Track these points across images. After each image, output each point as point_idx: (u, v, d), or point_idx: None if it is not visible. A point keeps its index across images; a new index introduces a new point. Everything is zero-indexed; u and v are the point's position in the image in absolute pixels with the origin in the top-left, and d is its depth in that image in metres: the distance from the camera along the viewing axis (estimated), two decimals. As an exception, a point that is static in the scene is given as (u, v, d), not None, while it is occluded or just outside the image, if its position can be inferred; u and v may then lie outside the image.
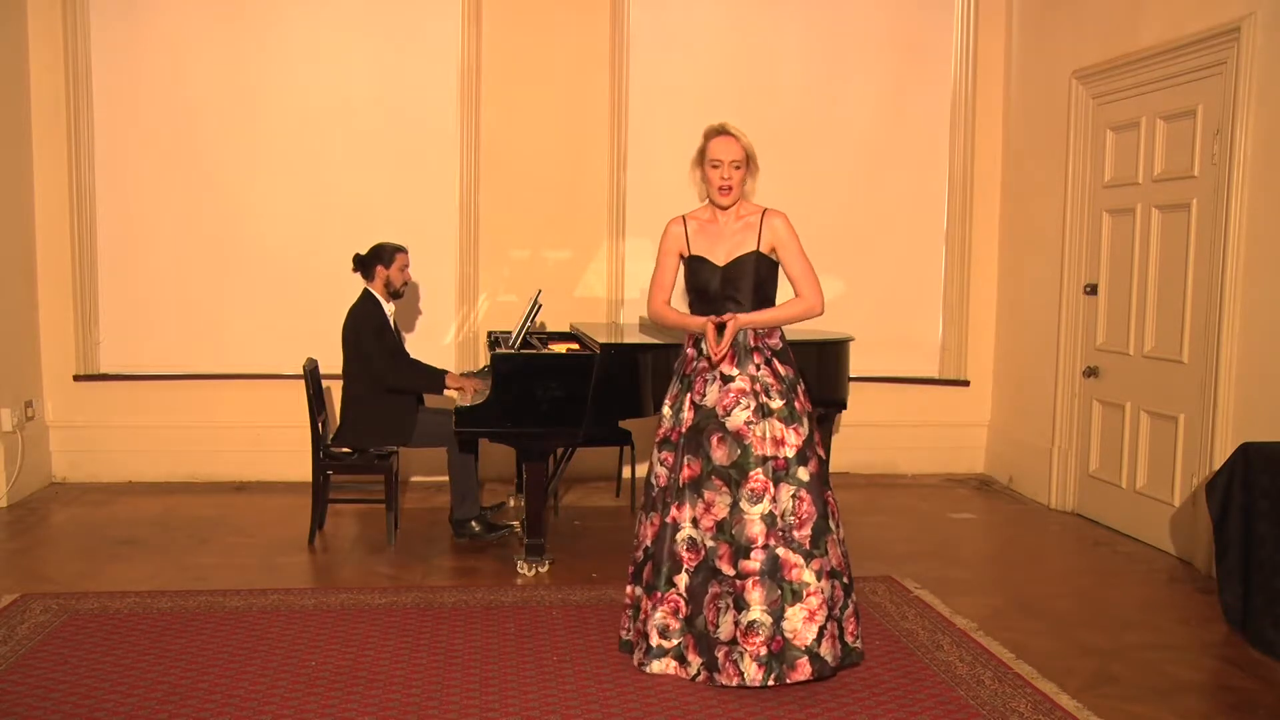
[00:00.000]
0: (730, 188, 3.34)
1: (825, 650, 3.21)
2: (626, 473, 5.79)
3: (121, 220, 5.87)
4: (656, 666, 3.30)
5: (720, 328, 3.28)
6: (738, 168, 3.33)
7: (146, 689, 3.16)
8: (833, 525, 3.32)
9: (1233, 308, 4.38)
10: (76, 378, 5.88)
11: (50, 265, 5.80)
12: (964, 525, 5.40)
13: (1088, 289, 5.44)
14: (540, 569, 4.36)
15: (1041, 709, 3.11)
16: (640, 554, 3.42)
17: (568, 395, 4.19)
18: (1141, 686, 3.34)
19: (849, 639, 3.32)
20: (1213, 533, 3.90)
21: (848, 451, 6.21)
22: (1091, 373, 5.41)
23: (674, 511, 3.31)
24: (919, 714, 3.09)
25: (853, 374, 5.06)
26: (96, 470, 5.92)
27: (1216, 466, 4.15)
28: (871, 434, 6.12)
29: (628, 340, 4.56)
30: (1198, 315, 4.62)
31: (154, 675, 3.26)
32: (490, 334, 5.43)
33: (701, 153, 3.38)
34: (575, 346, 4.75)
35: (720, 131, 3.35)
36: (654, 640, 3.30)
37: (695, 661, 3.27)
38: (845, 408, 4.94)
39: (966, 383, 6.45)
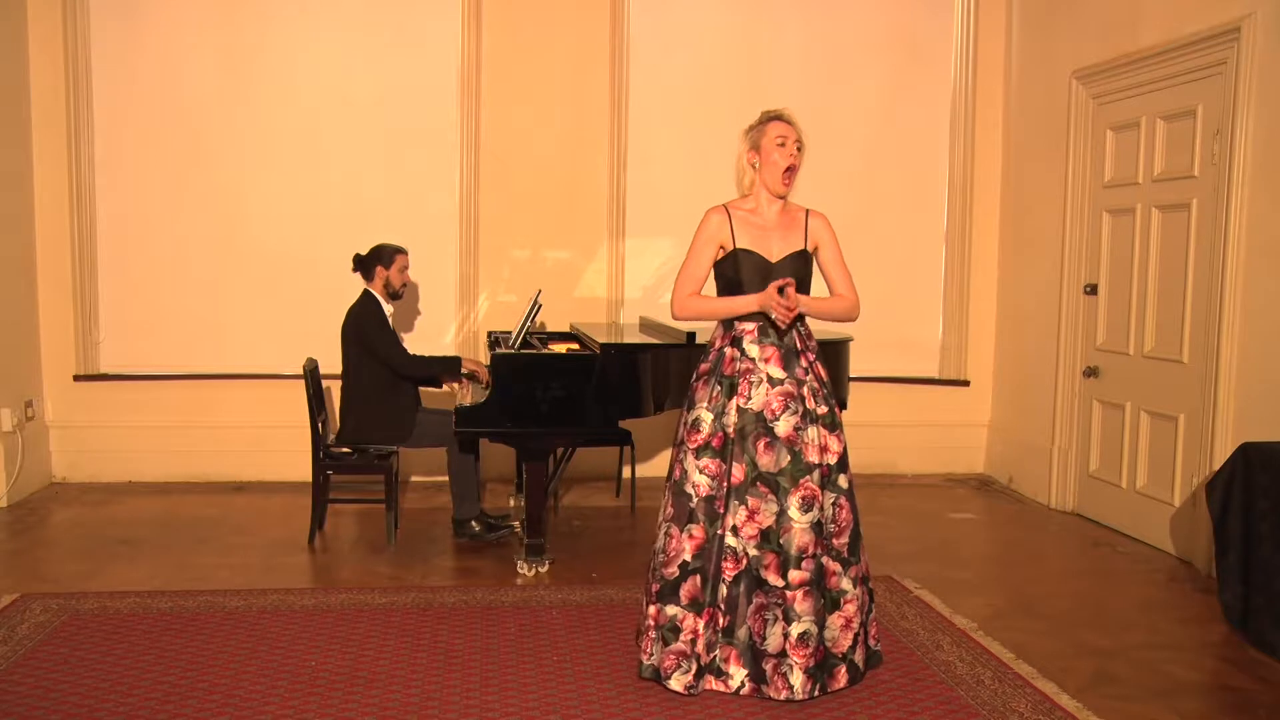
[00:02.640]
0: (795, 168, 3.22)
1: (859, 656, 3.20)
2: (626, 473, 5.79)
3: (121, 220, 5.87)
4: (700, 685, 3.16)
5: (782, 291, 3.13)
6: (800, 150, 3.24)
7: (146, 689, 3.16)
8: (862, 530, 3.30)
9: (1233, 308, 4.38)
10: (76, 378, 5.88)
11: (50, 265, 5.80)
12: (964, 525, 5.40)
13: (1088, 289, 5.44)
14: (540, 569, 4.36)
15: (1041, 709, 3.11)
16: (674, 570, 3.17)
17: (568, 395, 4.18)
18: (1141, 686, 3.34)
19: (871, 642, 3.32)
20: (1213, 533, 3.90)
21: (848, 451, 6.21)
22: (1091, 373, 5.41)
23: (725, 520, 3.16)
24: (919, 714, 3.09)
25: (853, 374, 5.07)
26: (96, 470, 5.92)
27: (1216, 466, 4.15)
28: (871, 434, 6.11)
29: (628, 340, 4.56)
30: (1198, 315, 4.62)
31: (154, 675, 3.26)
32: (490, 334, 5.43)
33: (760, 135, 3.24)
34: (575, 346, 4.76)
35: (779, 115, 3.25)
36: (704, 659, 3.16)
37: (738, 674, 3.15)
38: (845, 408, 4.93)
39: (966, 383, 6.45)
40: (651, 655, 3.23)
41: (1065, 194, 5.55)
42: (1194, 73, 4.65)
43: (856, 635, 3.19)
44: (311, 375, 4.72)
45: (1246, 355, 4.35)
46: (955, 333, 6.42)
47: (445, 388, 4.87)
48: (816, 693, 3.10)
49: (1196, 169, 4.66)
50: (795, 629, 3.09)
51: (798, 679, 3.08)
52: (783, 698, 3.09)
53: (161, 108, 5.84)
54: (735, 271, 3.26)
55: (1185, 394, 4.71)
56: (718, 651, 3.18)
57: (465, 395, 4.58)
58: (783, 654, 3.10)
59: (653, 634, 3.23)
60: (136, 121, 5.83)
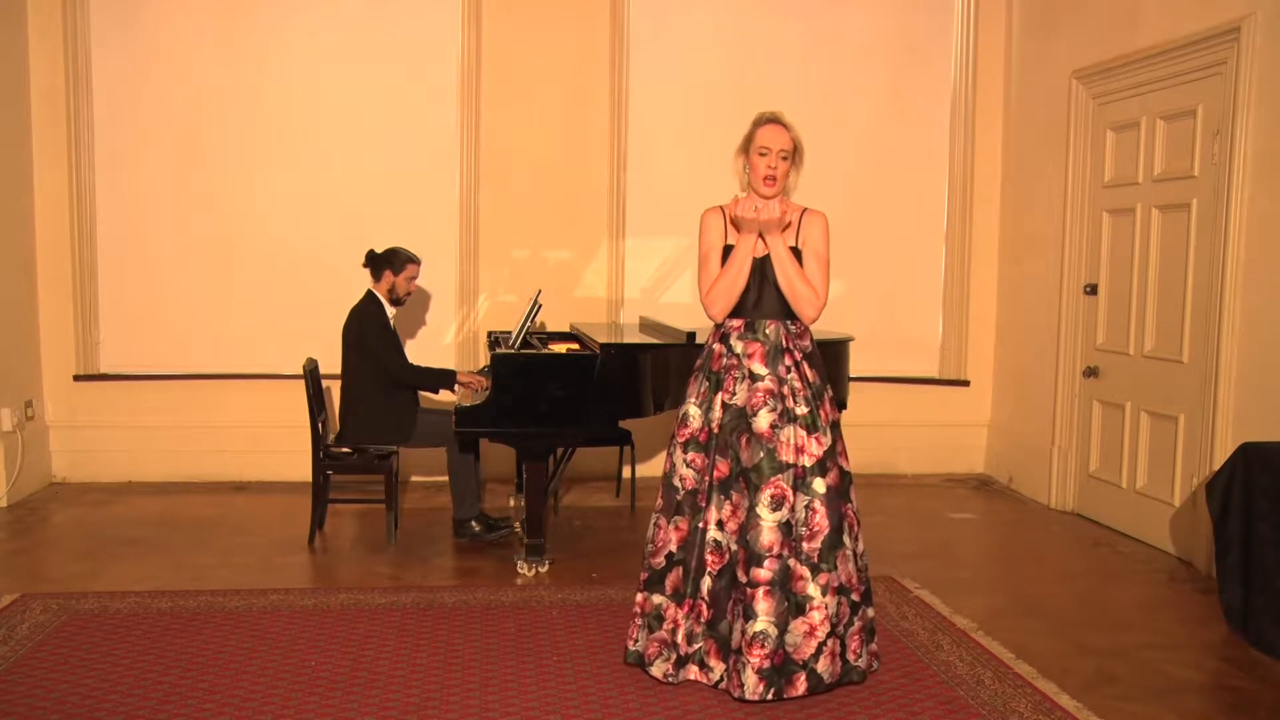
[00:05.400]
0: (775, 178, 3.23)
1: (823, 666, 3.14)
2: (626, 473, 5.79)
3: (121, 220, 5.87)
4: (682, 674, 3.22)
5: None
6: (785, 158, 3.23)
7: (146, 689, 3.16)
8: (847, 540, 3.21)
9: (1233, 308, 4.38)
10: (76, 378, 5.88)
11: (50, 265, 5.80)
12: (964, 525, 5.40)
13: (1088, 289, 5.44)
14: (540, 569, 4.36)
15: (1041, 709, 3.11)
16: (661, 560, 3.26)
17: (568, 395, 4.19)
18: (1141, 686, 3.34)
19: (850, 656, 3.23)
20: (1213, 533, 3.90)
21: (848, 451, 6.21)
22: (1091, 373, 5.42)
23: (706, 514, 3.21)
24: (919, 714, 3.09)
25: (853, 374, 5.06)
26: (96, 470, 5.92)
27: (1216, 466, 4.15)
28: (871, 434, 6.11)
29: (628, 340, 4.56)
30: (1198, 315, 4.62)
31: (154, 675, 3.26)
32: (490, 334, 5.43)
33: (749, 139, 3.27)
34: (575, 346, 4.75)
35: (771, 120, 3.25)
36: (684, 649, 3.21)
37: (719, 667, 3.19)
38: (845, 408, 4.93)
39: (966, 383, 6.45)
40: (637, 641, 3.31)
41: (1065, 194, 5.55)
42: (1194, 73, 4.65)
43: (822, 645, 3.12)
44: (311, 375, 4.72)
45: (1246, 355, 4.35)
46: (955, 333, 6.42)
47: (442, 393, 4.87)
48: (770, 696, 3.08)
49: (1196, 169, 4.66)
50: (751, 628, 3.09)
51: (749, 679, 3.07)
52: (736, 695, 3.11)
53: (162, 107, 5.83)
54: None
55: (1185, 394, 4.71)
56: (701, 644, 3.21)
57: (466, 395, 4.58)
58: (739, 651, 3.12)
59: (639, 621, 3.31)
60: (137, 121, 5.83)
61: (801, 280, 3.22)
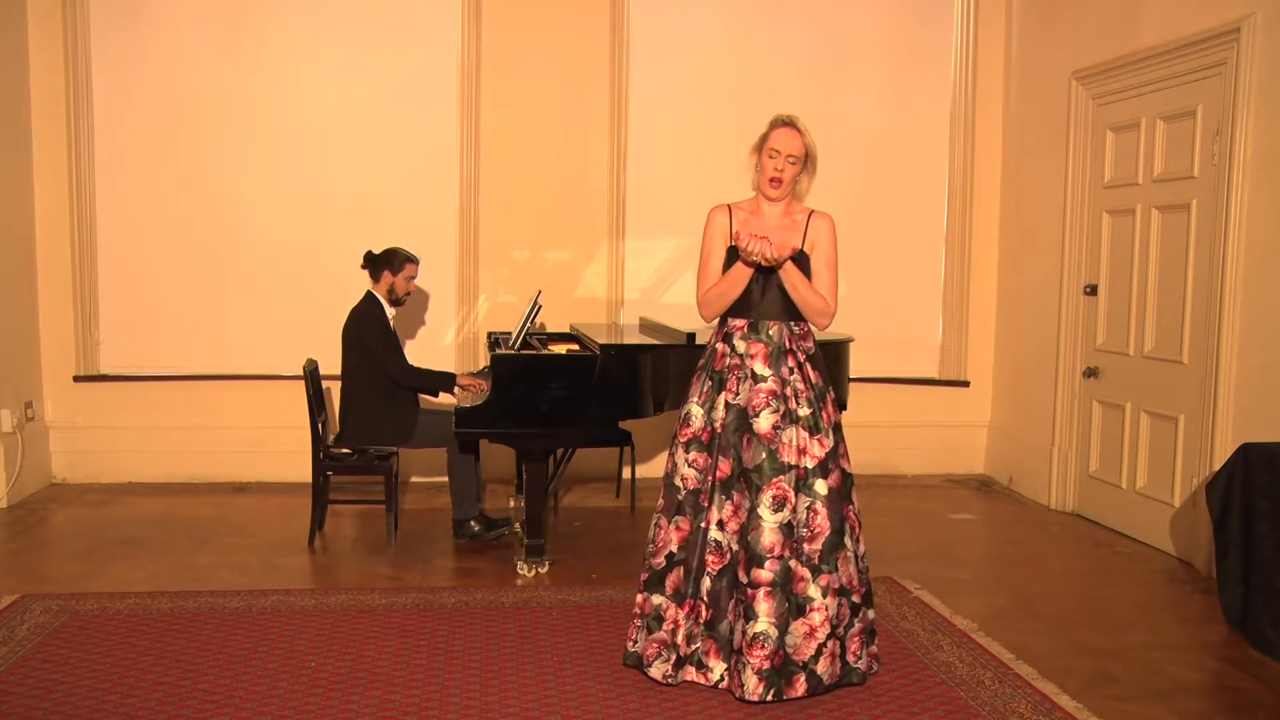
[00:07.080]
0: (780, 181, 3.23)
1: (822, 668, 3.14)
2: (626, 473, 5.79)
3: (121, 220, 5.87)
4: (681, 675, 3.22)
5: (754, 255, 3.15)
6: (793, 163, 3.22)
7: (146, 689, 3.16)
8: (848, 541, 3.22)
9: (1233, 308, 4.38)
10: (76, 378, 5.88)
11: (50, 265, 5.80)
12: (964, 525, 5.40)
13: (1088, 289, 5.44)
14: (540, 570, 4.36)
15: (1041, 709, 3.11)
16: (662, 560, 3.25)
17: (568, 396, 4.18)
18: (1141, 686, 3.34)
19: (850, 658, 3.23)
20: (1213, 533, 3.90)
21: (849, 452, 6.20)
22: (1091, 373, 5.42)
23: (708, 514, 3.20)
24: (919, 715, 3.09)
25: (853, 374, 5.06)
26: (96, 470, 5.92)
27: (1216, 466, 4.15)
28: (871, 434, 6.11)
29: (628, 341, 4.56)
30: (1198, 315, 4.62)
31: (154, 676, 3.26)
32: (490, 335, 5.43)
33: (763, 139, 3.26)
34: (575, 347, 4.76)
35: (786, 123, 3.24)
36: (683, 650, 3.21)
37: (718, 667, 3.19)
38: (845, 408, 4.93)
39: (966, 383, 6.45)
40: (636, 643, 3.30)
41: (1065, 194, 5.55)
42: (1194, 73, 4.65)
43: (822, 646, 3.13)
44: (311, 375, 4.72)
45: (1246, 355, 4.35)
46: (955, 333, 6.42)
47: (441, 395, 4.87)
48: (770, 697, 3.09)
49: (1196, 169, 4.66)
50: (752, 628, 3.09)
51: (750, 680, 3.08)
52: (737, 695, 3.11)
53: (162, 108, 5.84)
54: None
55: (1185, 394, 4.71)
56: (699, 644, 3.21)
57: (466, 397, 4.58)
58: (740, 651, 3.12)
59: (638, 622, 3.31)
60: (137, 122, 5.83)
61: (813, 294, 3.22)
